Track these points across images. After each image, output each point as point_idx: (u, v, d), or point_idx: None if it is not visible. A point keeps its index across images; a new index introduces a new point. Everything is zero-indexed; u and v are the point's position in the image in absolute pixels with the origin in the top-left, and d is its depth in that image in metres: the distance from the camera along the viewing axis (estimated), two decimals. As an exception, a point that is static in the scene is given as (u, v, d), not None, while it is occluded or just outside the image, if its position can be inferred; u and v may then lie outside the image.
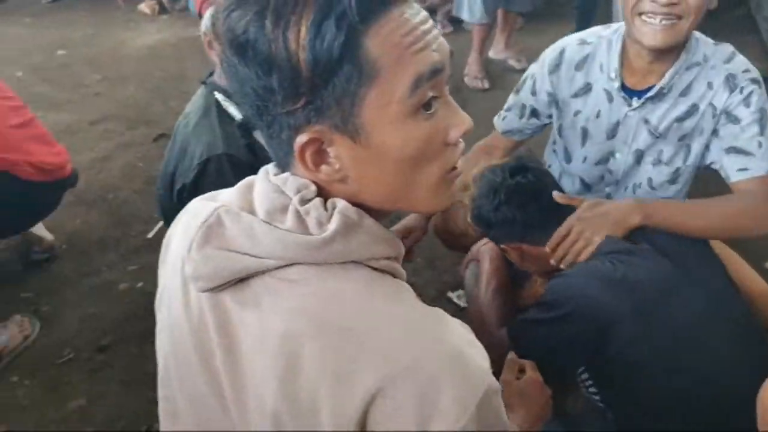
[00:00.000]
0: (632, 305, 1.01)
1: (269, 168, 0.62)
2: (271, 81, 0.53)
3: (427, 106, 0.56)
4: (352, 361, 0.53)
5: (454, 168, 0.61)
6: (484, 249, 1.41)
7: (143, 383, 1.63)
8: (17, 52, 4.06)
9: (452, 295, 1.91)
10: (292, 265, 0.56)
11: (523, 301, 1.40)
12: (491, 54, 3.67)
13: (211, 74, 1.31)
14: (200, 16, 1.20)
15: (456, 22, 4.08)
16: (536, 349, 1.09)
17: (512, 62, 3.60)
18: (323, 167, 0.57)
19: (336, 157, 0.57)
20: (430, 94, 0.56)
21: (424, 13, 0.56)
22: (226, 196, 0.65)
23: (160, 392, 0.70)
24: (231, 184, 1.12)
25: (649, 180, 1.36)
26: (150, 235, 2.29)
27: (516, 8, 3.42)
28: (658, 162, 1.33)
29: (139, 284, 2.06)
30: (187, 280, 0.62)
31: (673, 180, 1.34)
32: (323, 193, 0.59)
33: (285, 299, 0.56)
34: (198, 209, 0.64)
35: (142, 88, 3.52)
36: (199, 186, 1.16)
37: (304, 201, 0.57)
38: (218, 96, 1.22)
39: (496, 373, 1.14)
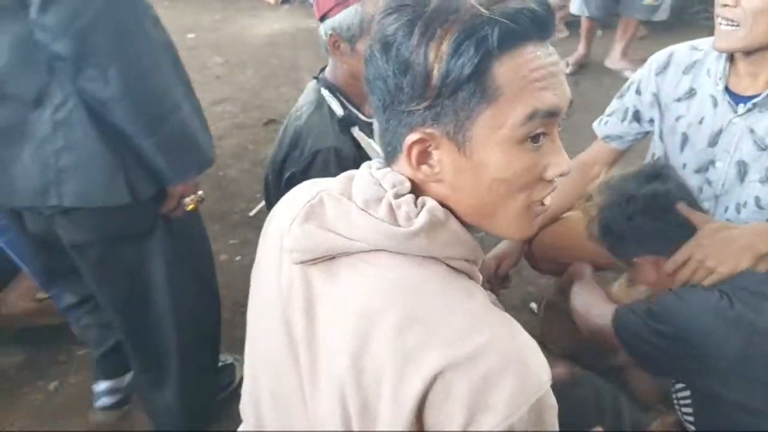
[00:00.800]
0: (743, 346, 0.96)
1: (372, 163, 0.68)
2: (403, 81, 0.59)
3: (535, 138, 0.59)
4: (420, 344, 0.56)
5: (542, 204, 0.64)
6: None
7: (232, 348, 1.77)
8: (154, 32, 4.45)
9: (534, 306, 1.88)
10: (377, 251, 0.61)
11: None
12: (607, 63, 3.53)
13: (323, 70, 1.38)
14: (322, 19, 1.26)
15: (572, 27, 3.95)
16: (633, 343, 1.08)
17: (628, 74, 3.43)
18: (424, 167, 0.62)
19: (438, 161, 0.62)
20: (540, 129, 0.59)
21: (556, 57, 0.60)
22: (328, 183, 0.71)
23: (246, 353, 0.77)
24: (335, 175, 1.20)
25: (757, 199, 1.27)
26: (252, 213, 2.44)
27: (627, 13, 3.27)
28: (766, 180, 1.25)
29: (238, 258, 2.21)
30: (283, 252, 0.68)
31: None
32: (417, 191, 0.64)
33: (367, 280, 0.61)
34: (303, 191, 0.72)
35: (257, 73, 3.74)
36: (307, 175, 1.23)
37: (398, 195, 0.62)
38: (324, 92, 1.28)
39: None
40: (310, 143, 1.26)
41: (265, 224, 0.78)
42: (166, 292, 1.24)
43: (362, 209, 0.62)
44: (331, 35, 1.25)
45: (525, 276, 1.99)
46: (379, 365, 0.57)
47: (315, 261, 0.64)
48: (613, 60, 3.49)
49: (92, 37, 0.91)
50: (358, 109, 1.36)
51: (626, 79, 3.68)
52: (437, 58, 0.57)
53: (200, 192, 1.21)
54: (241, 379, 1.57)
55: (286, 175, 1.31)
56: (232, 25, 4.61)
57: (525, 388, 0.55)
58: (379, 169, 0.66)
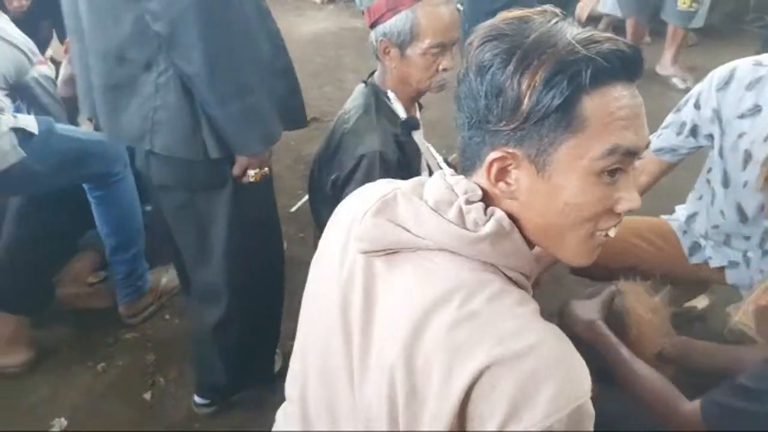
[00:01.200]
0: None
1: (446, 172, 0.73)
2: (494, 103, 0.63)
3: (611, 173, 0.63)
4: (471, 340, 0.59)
5: (607, 234, 0.67)
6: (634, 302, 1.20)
7: None
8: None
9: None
10: (440, 250, 0.65)
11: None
12: (658, 69, 3.47)
13: (372, 74, 1.41)
14: (373, 26, 1.29)
15: (619, 33, 3.90)
16: None
17: (676, 81, 3.37)
18: (501, 183, 0.66)
19: (515, 179, 0.66)
20: (618, 165, 0.63)
21: (640, 99, 0.64)
22: (401, 183, 0.76)
23: (298, 333, 0.82)
24: (379, 179, 1.23)
25: None
26: (293, 209, 2.50)
27: (666, 18, 3.23)
28: None
29: (278, 252, 2.26)
30: (348, 241, 0.73)
31: None
32: (487, 202, 0.68)
33: (427, 275, 0.65)
34: (377, 187, 0.77)
35: (301, 72, 3.73)
36: (352, 178, 1.27)
37: (469, 202, 0.66)
38: (390, 94, 1.33)
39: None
40: (357, 147, 1.29)
41: (333, 214, 0.82)
42: (225, 250, 1.40)
43: (432, 209, 0.66)
44: (381, 41, 1.27)
45: (564, 284, 1.98)
46: (430, 355, 0.61)
47: (379, 253, 0.69)
48: (664, 66, 3.44)
49: (183, 23, 1.10)
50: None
51: (676, 87, 3.64)
52: (530, 86, 0.61)
53: (266, 169, 1.35)
54: (281, 369, 1.62)
55: (332, 177, 1.34)
56: (278, 24, 4.68)
57: (568, 392, 0.57)
58: (452, 176, 0.70)
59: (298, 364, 0.80)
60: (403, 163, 1.33)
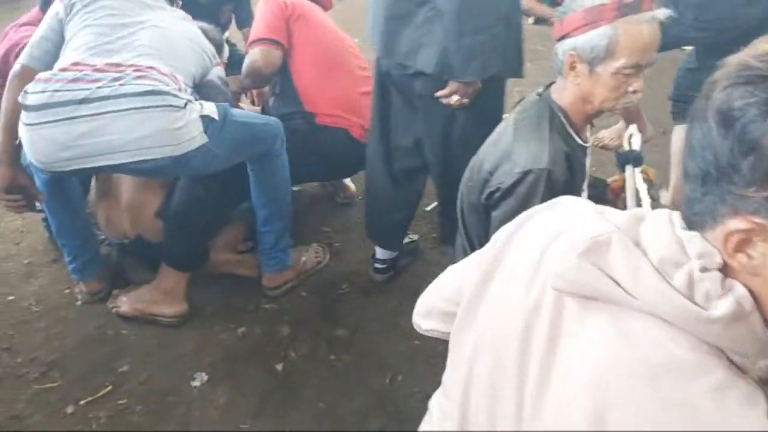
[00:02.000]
0: None
1: (675, 217, 0.63)
2: (742, 162, 0.52)
3: None
4: None
5: None
6: None
7: (396, 327, 1.91)
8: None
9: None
10: (652, 315, 0.57)
11: None
12: None
13: (548, 87, 1.36)
14: (562, 39, 1.24)
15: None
16: None
17: None
18: (740, 255, 0.56)
19: (762, 254, 0.55)
20: None
21: None
22: (615, 217, 0.67)
23: (471, 330, 0.75)
24: (540, 198, 1.18)
25: None
26: (428, 208, 2.51)
27: None
28: None
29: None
30: (542, 262, 0.66)
31: None
32: (723, 269, 0.57)
33: (632, 338, 0.57)
34: (587, 216, 0.68)
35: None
36: (513, 191, 1.23)
37: (704, 269, 0.56)
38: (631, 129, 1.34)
39: None
40: (523, 160, 1.24)
41: (523, 219, 0.76)
42: (457, 141, 1.78)
43: (656, 269, 0.57)
44: (570, 55, 1.22)
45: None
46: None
47: (575, 295, 0.62)
48: None
49: None
50: (577, 134, 1.33)
51: None
52: None
53: (465, 100, 1.67)
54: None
55: (490, 189, 1.31)
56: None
57: None
58: (683, 228, 0.61)
59: (465, 364, 0.75)
60: (570, 184, 1.27)
